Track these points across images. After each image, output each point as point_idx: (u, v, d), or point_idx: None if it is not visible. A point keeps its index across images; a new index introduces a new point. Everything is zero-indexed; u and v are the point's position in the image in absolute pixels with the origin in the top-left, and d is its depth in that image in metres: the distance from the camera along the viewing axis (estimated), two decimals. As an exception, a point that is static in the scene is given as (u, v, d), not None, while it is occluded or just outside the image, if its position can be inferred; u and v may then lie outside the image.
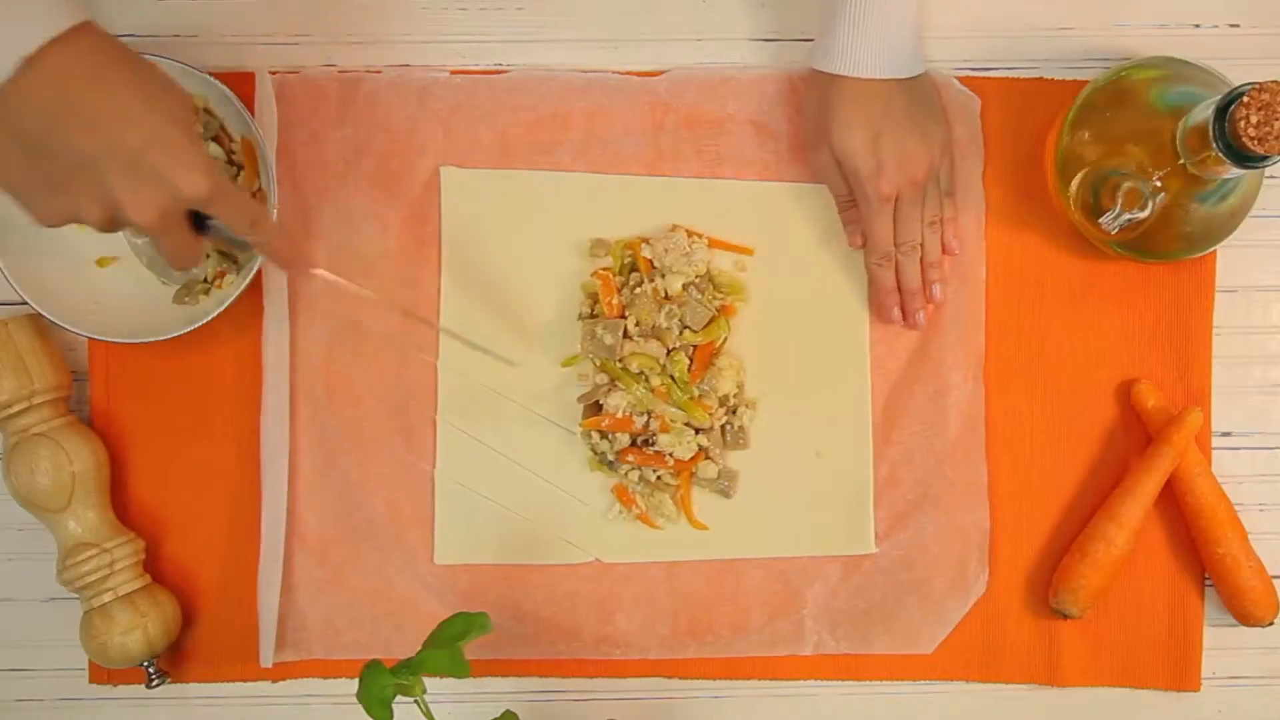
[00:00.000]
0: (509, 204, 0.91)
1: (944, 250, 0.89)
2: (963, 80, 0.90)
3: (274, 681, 0.91)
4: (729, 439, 0.90)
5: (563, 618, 0.90)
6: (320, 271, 0.82)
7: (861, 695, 0.91)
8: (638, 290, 0.89)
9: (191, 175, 0.68)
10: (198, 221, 0.72)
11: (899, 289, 0.89)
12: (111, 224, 0.69)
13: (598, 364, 0.89)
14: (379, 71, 0.91)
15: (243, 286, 0.85)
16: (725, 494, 0.90)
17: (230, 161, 0.90)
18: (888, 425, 0.90)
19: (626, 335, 0.89)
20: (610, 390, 0.89)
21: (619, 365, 0.88)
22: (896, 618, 0.90)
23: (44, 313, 0.85)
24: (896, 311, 0.89)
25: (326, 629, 0.90)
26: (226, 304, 0.85)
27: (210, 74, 0.86)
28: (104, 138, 0.66)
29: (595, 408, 0.89)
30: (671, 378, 0.88)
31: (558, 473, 0.91)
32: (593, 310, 0.90)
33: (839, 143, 0.84)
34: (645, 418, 0.88)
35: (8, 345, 0.86)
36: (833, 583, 0.90)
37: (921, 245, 0.88)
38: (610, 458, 0.89)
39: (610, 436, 0.89)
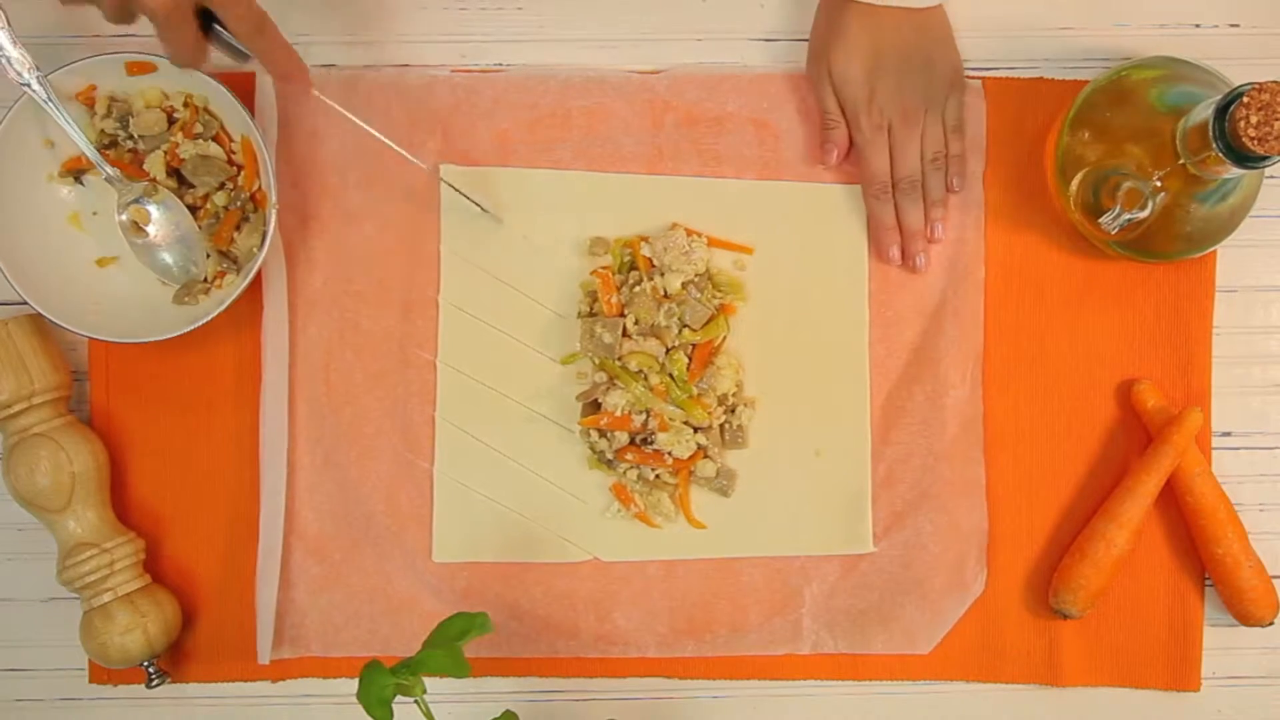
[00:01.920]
0: (508, 201, 0.91)
1: (947, 188, 0.89)
2: (963, 80, 0.91)
3: (274, 681, 0.91)
4: (727, 438, 0.90)
5: (561, 616, 0.90)
6: (319, 94, 0.83)
7: (861, 695, 0.91)
8: (637, 289, 0.89)
9: None
10: (205, 23, 0.74)
11: (899, 228, 0.89)
12: (124, 8, 0.71)
13: (597, 362, 0.89)
14: (379, 70, 0.91)
15: (242, 287, 0.85)
16: (723, 493, 0.90)
17: (230, 161, 0.90)
18: (886, 425, 0.90)
19: (626, 334, 0.89)
20: (609, 388, 0.89)
21: (618, 364, 0.88)
22: (894, 617, 0.90)
23: (44, 313, 0.85)
24: (895, 251, 0.89)
25: (324, 626, 0.90)
26: (226, 304, 0.85)
27: (210, 74, 0.86)
28: None
29: (594, 406, 0.89)
30: (670, 376, 0.88)
31: (556, 471, 0.91)
32: (592, 308, 0.90)
33: (837, 66, 0.85)
34: (644, 416, 0.88)
35: (8, 345, 0.86)
36: (830, 582, 0.90)
37: (923, 183, 0.88)
38: (609, 456, 0.89)
39: (609, 435, 0.89)
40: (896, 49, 0.84)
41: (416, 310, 0.91)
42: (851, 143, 0.89)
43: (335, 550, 0.90)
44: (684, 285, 0.89)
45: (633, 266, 0.91)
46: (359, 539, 0.90)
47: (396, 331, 0.91)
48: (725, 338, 0.90)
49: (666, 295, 0.89)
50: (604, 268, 0.90)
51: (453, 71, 0.91)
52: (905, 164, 0.87)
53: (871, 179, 0.88)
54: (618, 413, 0.88)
